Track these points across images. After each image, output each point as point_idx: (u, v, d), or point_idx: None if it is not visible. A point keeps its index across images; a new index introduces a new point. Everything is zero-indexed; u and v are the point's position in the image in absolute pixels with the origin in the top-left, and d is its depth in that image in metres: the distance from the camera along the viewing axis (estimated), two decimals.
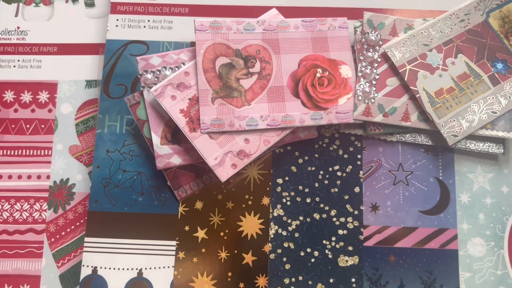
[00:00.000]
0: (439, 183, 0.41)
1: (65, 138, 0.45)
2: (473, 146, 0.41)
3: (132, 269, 0.40)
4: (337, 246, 0.40)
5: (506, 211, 0.41)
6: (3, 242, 0.43)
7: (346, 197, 0.41)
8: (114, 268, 0.40)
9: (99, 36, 0.46)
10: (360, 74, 0.41)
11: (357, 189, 0.41)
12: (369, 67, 0.41)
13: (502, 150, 0.41)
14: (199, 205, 0.41)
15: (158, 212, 0.41)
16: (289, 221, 0.41)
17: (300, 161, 0.42)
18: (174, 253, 0.40)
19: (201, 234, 0.41)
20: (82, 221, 0.43)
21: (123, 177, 0.42)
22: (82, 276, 0.40)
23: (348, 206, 0.41)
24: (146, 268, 0.40)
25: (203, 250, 0.40)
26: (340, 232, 0.40)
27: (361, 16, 0.43)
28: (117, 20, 0.45)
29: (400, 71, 0.41)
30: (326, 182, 0.41)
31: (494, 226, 0.41)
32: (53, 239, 0.43)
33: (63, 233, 0.43)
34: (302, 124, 0.39)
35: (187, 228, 0.41)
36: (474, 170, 0.42)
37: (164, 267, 0.40)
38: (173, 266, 0.40)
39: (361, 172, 0.41)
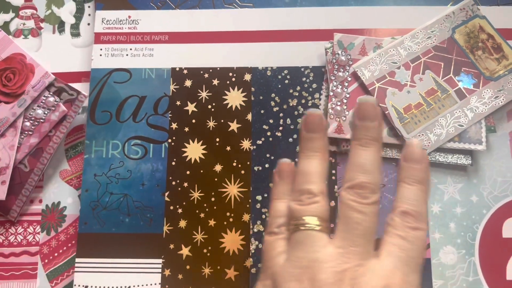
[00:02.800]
0: None
1: (56, 163, 0.47)
2: (442, 158, 0.43)
3: (121, 287, 0.42)
4: None
5: (476, 220, 0.43)
6: (0, 265, 0.45)
7: None
8: (105, 287, 0.42)
9: (85, 65, 0.49)
10: (331, 93, 0.43)
11: (332, 203, 0.43)
12: (340, 87, 0.43)
13: (470, 161, 0.43)
14: (182, 223, 0.43)
15: (144, 232, 0.43)
16: None
17: None
18: (160, 270, 0.42)
19: (185, 251, 0.43)
20: (73, 242, 0.45)
21: (110, 199, 0.44)
22: None
23: None
24: (134, 286, 0.42)
25: (188, 267, 0.42)
26: None
27: (332, 37, 0.45)
28: (101, 49, 0.47)
29: (369, 89, 0.43)
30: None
31: (464, 234, 0.42)
32: (46, 260, 0.45)
33: (56, 254, 0.45)
34: None
35: (172, 246, 0.43)
36: (444, 181, 0.43)
37: (151, 284, 0.42)
38: (159, 283, 0.42)
39: (335, 186, 0.43)
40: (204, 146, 0.45)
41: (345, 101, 0.43)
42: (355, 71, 0.43)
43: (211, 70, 0.46)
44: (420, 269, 0.31)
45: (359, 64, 0.43)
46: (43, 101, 0.46)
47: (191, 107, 0.46)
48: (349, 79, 0.44)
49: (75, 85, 0.47)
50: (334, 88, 0.43)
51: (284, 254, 0.31)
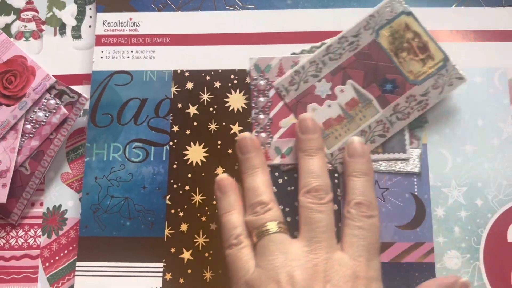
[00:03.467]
0: (414, 199, 0.43)
1: (57, 166, 0.47)
2: (390, 168, 0.42)
3: None
4: None
5: (481, 224, 0.42)
6: (0, 268, 0.45)
7: None
8: None
9: (86, 67, 0.49)
10: (254, 121, 0.43)
11: (335, 207, 0.43)
12: (262, 113, 0.43)
13: (418, 169, 0.42)
14: (184, 227, 0.43)
15: (145, 236, 0.43)
16: None
17: (280, 181, 0.43)
18: (161, 274, 0.42)
19: (186, 255, 0.42)
20: (74, 245, 0.45)
21: (111, 202, 0.44)
22: None
23: None
24: None
25: (189, 270, 0.42)
26: None
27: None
28: (102, 51, 0.47)
29: (290, 106, 0.42)
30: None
31: (469, 238, 0.42)
32: (47, 264, 0.45)
33: (57, 258, 0.45)
34: None
35: (173, 250, 0.42)
36: (448, 185, 0.43)
37: None
38: (161, 287, 0.42)
39: (338, 190, 0.43)
40: (205, 149, 0.44)
41: (268, 127, 0.43)
42: (275, 94, 0.43)
43: (212, 73, 0.46)
44: (379, 253, 0.35)
45: (280, 80, 0.42)
46: (44, 103, 0.46)
47: (192, 110, 0.45)
48: (270, 103, 0.43)
49: (76, 88, 0.47)
50: (256, 116, 0.43)
51: (251, 261, 0.34)
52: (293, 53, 0.44)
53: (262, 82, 0.42)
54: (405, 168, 0.42)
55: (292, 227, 0.43)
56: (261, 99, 0.42)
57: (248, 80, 0.44)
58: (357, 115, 0.42)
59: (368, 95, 0.42)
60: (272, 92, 0.43)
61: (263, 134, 0.42)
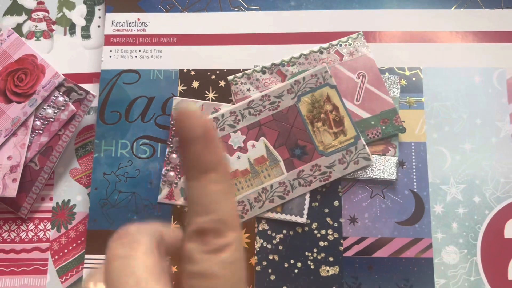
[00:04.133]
0: (413, 195, 0.44)
1: (66, 162, 0.48)
2: (367, 175, 0.43)
3: None
4: (319, 257, 0.43)
5: (478, 220, 0.43)
6: (11, 261, 0.46)
7: (326, 210, 0.44)
8: None
9: (95, 66, 0.50)
10: (166, 158, 0.44)
11: (336, 203, 0.44)
12: (175, 152, 0.44)
13: (394, 177, 0.43)
14: None
15: None
16: (273, 234, 0.44)
17: None
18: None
19: None
20: (83, 239, 0.46)
21: (119, 197, 0.45)
22: None
23: (328, 219, 0.44)
24: None
25: None
26: (321, 244, 0.43)
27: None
28: (111, 51, 0.48)
29: None
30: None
31: (467, 234, 0.43)
32: (56, 257, 0.46)
33: (65, 251, 0.46)
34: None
35: None
36: (447, 182, 0.44)
37: None
38: None
39: (339, 186, 0.44)
40: None
41: (178, 167, 0.44)
42: None
43: (218, 72, 0.47)
44: None
45: None
46: (53, 100, 0.47)
47: None
48: None
49: (86, 86, 0.48)
50: (169, 154, 0.44)
51: None
52: (282, 60, 0.45)
53: None
54: (382, 176, 0.43)
55: (289, 240, 0.44)
56: (177, 139, 0.43)
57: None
58: (262, 172, 0.42)
59: (277, 156, 0.43)
60: None
61: (171, 173, 0.43)
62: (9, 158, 0.46)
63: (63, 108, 0.47)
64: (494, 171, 0.44)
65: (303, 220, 0.43)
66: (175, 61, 0.48)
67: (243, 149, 0.43)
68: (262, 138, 0.43)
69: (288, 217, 0.42)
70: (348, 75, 0.45)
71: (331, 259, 0.43)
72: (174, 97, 0.46)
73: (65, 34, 0.51)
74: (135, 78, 0.47)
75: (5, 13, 0.52)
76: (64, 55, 0.50)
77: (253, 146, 0.43)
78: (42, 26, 0.51)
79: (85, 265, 0.44)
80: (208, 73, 0.47)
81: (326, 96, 0.43)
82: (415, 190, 0.44)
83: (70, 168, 0.48)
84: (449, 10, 0.47)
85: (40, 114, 0.47)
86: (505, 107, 0.45)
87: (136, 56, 0.48)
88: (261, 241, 0.43)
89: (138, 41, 0.48)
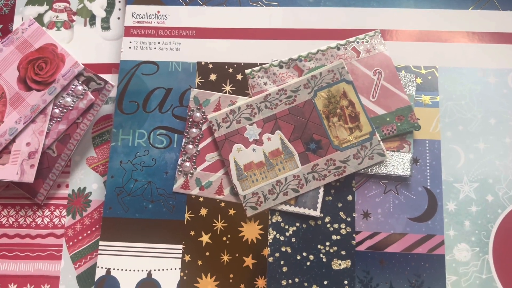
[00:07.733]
0: (427, 192, 0.44)
1: (83, 150, 0.49)
2: (381, 170, 0.44)
3: (142, 270, 0.44)
4: (331, 250, 0.43)
5: (491, 219, 0.43)
6: (26, 245, 0.47)
7: (340, 204, 0.44)
8: (126, 270, 0.44)
9: (114, 57, 0.51)
10: (183, 149, 0.45)
11: (349, 198, 0.44)
12: (192, 143, 0.44)
13: (408, 173, 0.43)
14: (203, 211, 0.45)
15: (166, 218, 0.45)
16: (287, 227, 0.44)
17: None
18: (180, 256, 0.44)
19: (205, 238, 0.44)
20: (97, 226, 0.47)
21: (134, 186, 0.46)
22: (96, 276, 0.44)
23: (341, 213, 0.44)
24: (155, 270, 0.44)
25: (207, 253, 0.44)
26: (334, 237, 0.44)
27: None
28: (130, 42, 0.49)
29: (218, 141, 0.44)
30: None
31: (479, 232, 0.43)
32: (71, 243, 0.47)
33: (80, 237, 0.47)
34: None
35: (192, 233, 0.44)
36: (460, 180, 0.44)
37: (171, 269, 0.44)
38: (179, 268, 0.44)
39: (353, 181, 0.44)
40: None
41: (194, 157, 0.44)
42: (208, 127, 0.44)
43: (235, 65, 0.48)
44: None
45: (214, 114, 0.44)
46: (72, 89, 0.48)
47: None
48: (201, 135, 0.44)
49: (105, 76, 0.49)
50: (186, 144, 0.45)
51: None
52: (300, 55, 0.46)
53: (198, 115, 0.44)
54: (396, 172, 0.43)
55: (302, 233, 0.44)
56: (194, 130, 0.44)
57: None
58: (277, 165, 0.43)
59: (292, 149, 0.43)
60: (205, 126, 0.45)
61: (187, 164, 0.44)
62: (28, 144, 0.47)
63: (81, 97, 0.48)
64: (508, 171, 0.44)
65: (316, 213, 0.43)
66: (194, 54, 0.48)
67: (259, 142, 0.44)
68: (278, 132, 0.43)
69: (301, 210, 0.43)
70: (365, 72, 0.45)
71: (343, 252, 0.43)
72: (192, 89, 0.46)
73: (85, 25, 0.52)
74: (153, 69, 0.48)
75: (27, 3, 0.52)
76: (83, 46, 0.51)
77: (269, 139, 0.43)
78: (63, 16, 0.52)
79: (99, 252, 0.44)
80: (226, 66, 0.48)
81: (342, 91, 0.43)
82: (429, 187, 0.44)
83: (87, 157, 0.49)
84: (466, 11, 0.48)
85: (59, 102, 0.48)
86: None
87: (155, 48, 0.49)
88: (274, 233, 0.44)
89: (157, 33, 0.49)
